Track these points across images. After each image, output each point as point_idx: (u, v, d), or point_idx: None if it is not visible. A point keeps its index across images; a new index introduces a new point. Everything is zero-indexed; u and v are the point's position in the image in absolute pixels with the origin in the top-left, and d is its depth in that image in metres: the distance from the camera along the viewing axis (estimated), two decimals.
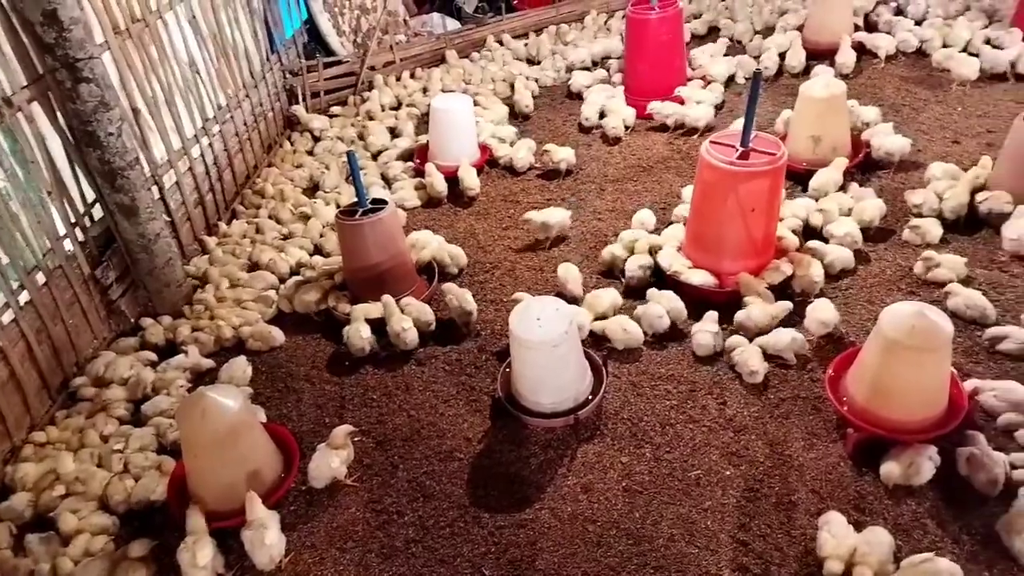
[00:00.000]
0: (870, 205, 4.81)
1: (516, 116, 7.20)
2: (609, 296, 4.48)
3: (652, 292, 4.45)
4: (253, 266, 5.39)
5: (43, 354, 4.23)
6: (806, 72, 6.94)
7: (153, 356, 4.59)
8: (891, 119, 5.99)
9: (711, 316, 4.22)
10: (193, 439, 3.42)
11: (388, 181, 6.34)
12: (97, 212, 4.71)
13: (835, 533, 3.08)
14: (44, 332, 4.24)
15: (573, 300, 4.56)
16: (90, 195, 4.62)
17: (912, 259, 4.56)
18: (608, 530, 3.36)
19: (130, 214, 4.57)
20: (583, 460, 3.70)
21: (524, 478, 3.65)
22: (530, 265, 5.14)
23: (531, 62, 8.21)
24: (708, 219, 4.46)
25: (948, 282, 4.31)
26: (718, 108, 6.75)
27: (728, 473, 3.55)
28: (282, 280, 5.19)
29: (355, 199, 4.76)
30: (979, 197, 4.78)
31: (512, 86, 7.58)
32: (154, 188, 5.10)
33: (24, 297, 4.14)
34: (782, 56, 7.19)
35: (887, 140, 5.42)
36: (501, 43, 8.54)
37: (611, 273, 4.92)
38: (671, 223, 5.07)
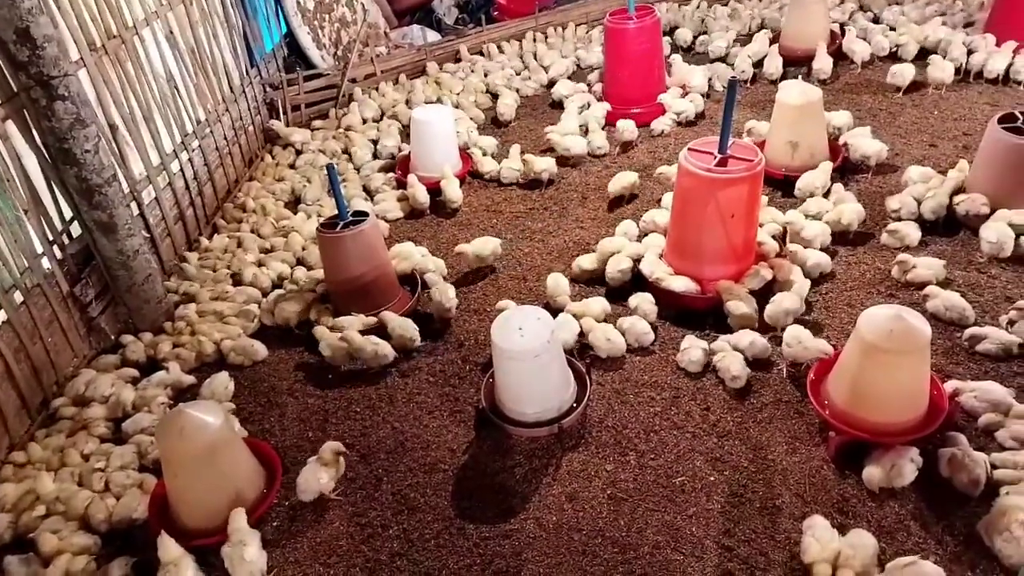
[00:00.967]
0: (848, 209, 4.84)
1: (498, 125, 7.21)
2: (599, 304, 4.49)
3: (635, 298, 4.48)
4: (235, 280, 5.37)
5: (22, 373, 4.18)
6: (783, 79, 7.01)
7: (134, 373, 4.55)
8: (868, 123, 6.05)
9: (691, 337, 4.23)
10: (172, 457, 3.39)
11: (370, 193, 6.34)
12: (75, 229, 4.68)
13: (819, 537, 3.09)
14: (23, 351, 4.20)
15: (561, 312, 4.56)
16: (68, 212, 4.59)
17: (891, 262, 4.59)
18: (593, 538, 3.36)
19: (108, 231, 4.55)
20: (568, 469, 3.70)
21: (509, 488, 3.64)
22: (514, 275, 5.15)
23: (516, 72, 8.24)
24: (688, 226, 4.48)
25: (927, 284, 4.35)
26: (698, 116, 6.80)
27: (712, 479, 3.55)
28: (264, 294, 5.17)
29: (336, 211, 4.75)
30: (957, 199, 4.84)
31: (494, 96, 7.61)
32: (133, 204, 5.07)
33: (1, 316, 4.10)
34: (759, 64, 7.25)
35: (864, 144, 5.47)
36: (482, 54, 8.57)
37: (592, 282, 4.92)
38: (647, 233, 5.08)
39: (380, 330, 4.56)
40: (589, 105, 7.02)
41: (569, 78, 7.84)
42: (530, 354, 3.68)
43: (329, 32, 8.52)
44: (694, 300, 4.47)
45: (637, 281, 4.74)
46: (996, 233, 4.50)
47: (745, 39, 7.89)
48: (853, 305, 4.39)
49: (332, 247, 4.66)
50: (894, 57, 7.10)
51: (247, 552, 3.22)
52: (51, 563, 3.40)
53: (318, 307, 4.85)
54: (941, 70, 6.42)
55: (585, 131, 6.69)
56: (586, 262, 4.86)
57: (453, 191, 5.96)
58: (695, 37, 8.24)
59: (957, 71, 6.53)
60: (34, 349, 4.27)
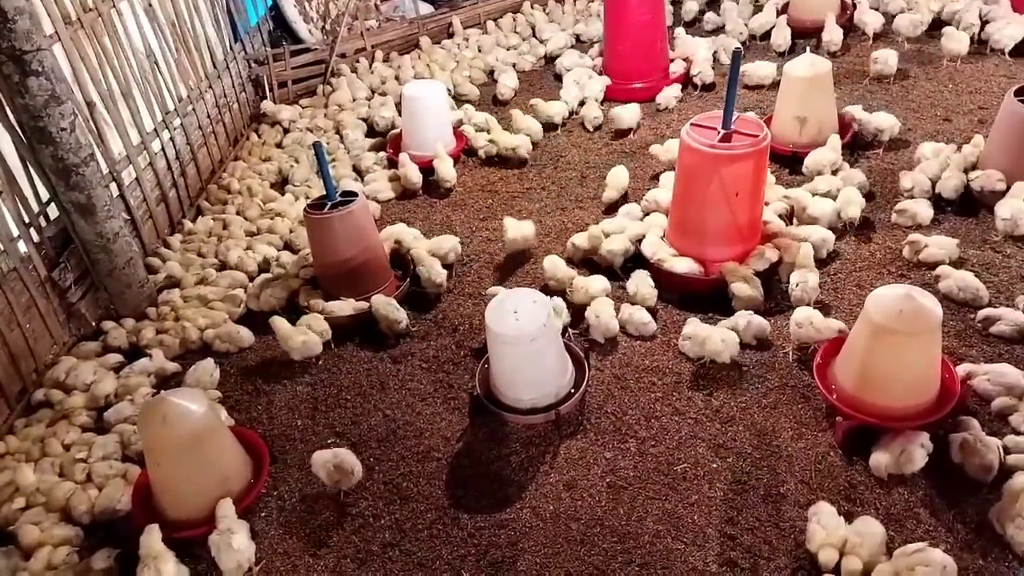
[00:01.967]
0: (851, 200, 4.76)
1: (496, 103, 7.20)
2: (600, 282, 4.50)
3: (634, 279, 4.50)
4: (220, 264, 5.37)
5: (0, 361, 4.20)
6: (791, 51, 6.98)
7: (116, 360, 4.56)
8: (880, 97, 6.03)
9: (694, 321, 4.23)
10: (155, 446, 3.41)
11: (360, 173, 6.33)
12: (52, 212, 4.68)
13: (825, 524, 3.11)
14: (0, 338, 4.20)
15: (560, 294, 4.58)
16: (44, 194, 4.59)
17: (902, 242, 4.59)
18: (592, 528, 3.38)
19: (87, 213, 4.54)
20: (565, 456, 3.72)
21: (505, 477, 3.66)
22: (510, 257, 5.14)
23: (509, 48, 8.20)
24: (691, 205, 4.48)
25: (939, 264, 4.35)
26: (706, 89, 6.79)
27: (715, 466, 3.57)
28: (251, 278, 5.18)
29: (325, 192, 4.75)
30: (971, 176, 4.83)
31: (489, 73, 7.58)
32: (112, 185, 5.06)
33: None
34: (767, 35, 7.22)
35: (875, 118, 5.45)
36: (478, 27, 8.54)
37: (589, 263, 4.91)
38: (648, 213, 5.08)
39: (370, 315, 4.57)
40: (591, 76, 7.02)
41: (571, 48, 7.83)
42: (526, 338, 3.68)
43: (317, 4, 8.48)
44: (697, 282, 4.47)
45: (637, 263, 4.73)
46: (1010, 209, 4.50)
47: (757, 8, 7.82)
48: (862, 286, 4.40)
49: (320, 229, 4.65)
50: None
51: (235, 540, 3.25)
52: (32, 556, 3.42)
53: (307, 291, 4.86)
54: (956, 41, 6.39)
55: (582, 104, 6.67)
56: (581, 239, 4.85)
57: (446, 170, 5.95)
58: (702, 12, 8.15)
59: (972, 41, 6.50)
60: (11, 336, 4.28)
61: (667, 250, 4.62)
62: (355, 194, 4.75)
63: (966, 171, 4.88)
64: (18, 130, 4.31)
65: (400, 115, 6.54)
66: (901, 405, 3.43)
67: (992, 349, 3.91)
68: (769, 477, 3.48)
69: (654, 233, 4.78)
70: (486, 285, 4.88)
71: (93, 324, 4.88)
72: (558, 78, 7.43)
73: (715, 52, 7.17)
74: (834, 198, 4.86)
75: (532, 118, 6.41)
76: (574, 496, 3.53)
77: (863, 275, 4.49)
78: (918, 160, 5.17)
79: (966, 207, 4.86)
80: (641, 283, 4.47)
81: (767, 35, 7.25)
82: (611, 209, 5.43)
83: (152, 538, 3.25)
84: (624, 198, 5.45)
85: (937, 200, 4.87)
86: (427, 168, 6.03)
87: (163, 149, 5.85)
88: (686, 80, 6.90)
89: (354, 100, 7.45)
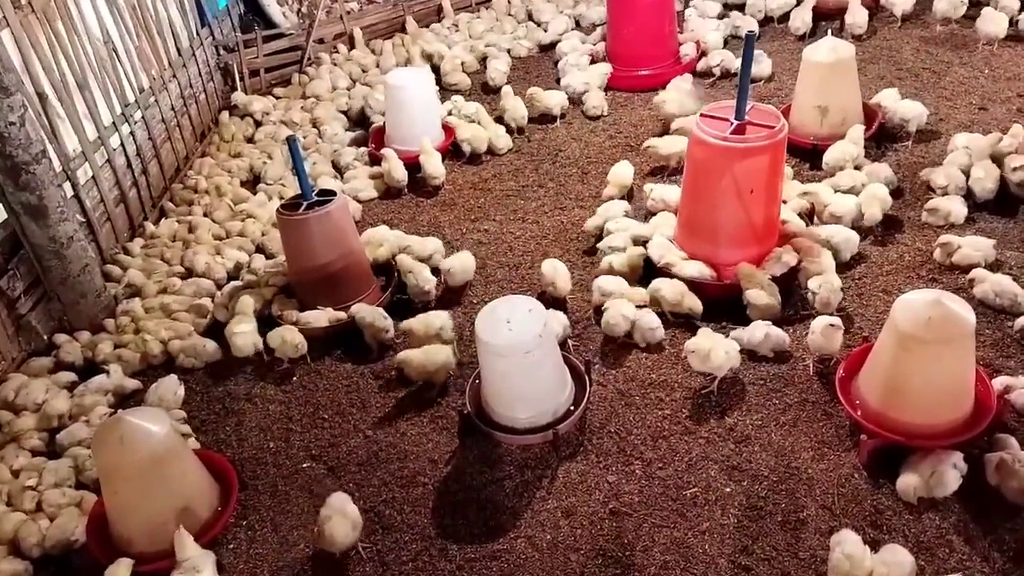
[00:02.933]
0: (880, 195, 4.80)
1: (487, 91, 7.23)
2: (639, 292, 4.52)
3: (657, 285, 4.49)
4: (185, 272, 5.39)
5: None
6: (812, 34, 7.02)
7: (71, 378, 4.57)
8: (909, 84, 6.06)
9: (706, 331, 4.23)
10: (112, 471, 3.42)
11: (340, 170, 6.35)
12: (0, 214, 4.68)
13: (849, 554, 3.11)
14: None
15: (560, 302, 4.60)
16: None
17: (933, 243, 4.61)
18: (593, 559, 3.39)
19: (38, 215, 4.56)
20: (564, 480, 3.73)
21: (497, 503, 3.67)
22: (504, 262, 5.17)
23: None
24: (701, 203, 4.50)
25: (974, 267, 4.37)
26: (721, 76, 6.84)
27: (728, 490, 3.58)
28: (219, 286, 5.19)
29: (300, 191, 4.77)
30: (1010, 162, 4.79)
31: (481, 60, 7.61)
32: (66, 185, 5.07)
33: None
34: (785, 17, 7.26)
35: (901, 106, 5.48)
36: (468, 9, 8.59)
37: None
38: (656, 212, 5.11)
39: (350, 326, 4.58)
40: (593, 61, 7.06)
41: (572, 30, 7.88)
42: (520, 350, 3.70)
43: None
44: (709, 287, 4.49)
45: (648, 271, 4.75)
46: None
47: None
48: (889, 291, 4.42)
49: (295, 231, 4.67)
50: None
51: None
52: None
53: (281, 300, 4.87)
54: (993, 23, 6.41)
55: (582, 93, 6.72)
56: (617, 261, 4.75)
57: (434, 166, 5.97)
58: None
59: (1011, 23, 6.52)
60: None
61: (676, 253, 4.64)
62: (334, 193, 4.77)
63: (1003, 164, 4.89)
64: None
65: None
66: (931, 422, 3.44)
67: None
68: (787, 502, 3.49)
69: (662, 234, 4.79)
70: (478, 293, 4.90)
71: (45, 338, 4.88)
72: (558, 66, 7.44)
73: (730, 35, 7.21)
74: (859, 195, 4.87)
75: (521, 101, 6.45)
76: (573, 524, 3.53)
77: (890, 279, 4.51)
78: (951, 152, 5.18)
79: (1003, 204, 4.88)
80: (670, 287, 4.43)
81: (785, 17, 7.28)
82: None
83: (121, 570, 3.26)
84: (629, 196, 5.47)
85: (971, 197, 4.88)
86: (413, 164, 6.05)
87: (122, 145, 5.87)
88: (696, 67, 6.93)
89: (334, 90, 7.48)
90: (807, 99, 5.52)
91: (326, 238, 4.66)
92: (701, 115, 4.43)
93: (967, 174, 4.93)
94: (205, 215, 5.99)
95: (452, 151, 6.38)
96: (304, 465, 3.98)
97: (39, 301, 4.88)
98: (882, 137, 5.60)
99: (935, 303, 3.35)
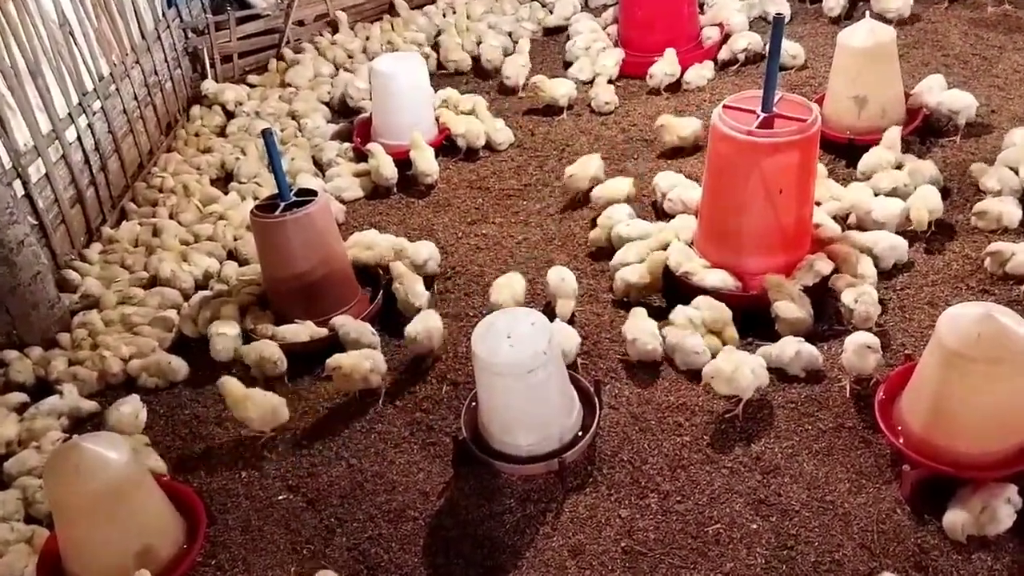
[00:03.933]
0: (930, 198, 4.80)
1: (483, 77, 7.26)
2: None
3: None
4: (149, 280, 5.39)
5: None
6: (848, 16, 7.04)
7: (21, 398, 4.58)
8: (958, 72, 6.07)
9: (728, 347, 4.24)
10: (66, 503, 3.42)
11: (321, 166, 6.37)
12: None
13: None
14: None
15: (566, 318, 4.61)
16: None
17: (984, 249, 4.61)
18: None
19: None
20: (572, 515, 3.72)
21: (497, 540, 3.67)
22: (503, 269, 5.16)
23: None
24: (725, 205, 4.50)
25: None
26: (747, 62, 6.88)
27: (755, 526, 3.58)
28: (186, 297, 5.20)
29: (276, 190, 4.78)
30: None
31: (479, 45, 7.65)
32: (16, 183, 5.10)
33: None
34: None
35: (948, 96, 5.49)
36: None
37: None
38: (674, 215, 5.12)
39: (332, 342, 4.59)
40: (604, 48, 7.09)
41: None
42: (521, 369, 3.69)
43: None
44: (733, 299, 4.49)
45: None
46: None
47: None
48: (935, 304, 4.42)
49: (271, 235, 4.68)
50: None
51: None
52: None
53: (255, 312, 4.88)
54: None
55: (591, 82, 6.75)
56: (633, 276, 4.73)
57: (426, 163, 5.99)
58: None
59: None
60: None
61: (697, 260, 4.64)
62: (314, 193, 4.79)
63: None
64: None
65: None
66: (982, 450, 3.44)
67: None
68: (821, 540, 3.48)
69: (681, 239, 4.81)
70: (475, 304, 4.90)
71: None
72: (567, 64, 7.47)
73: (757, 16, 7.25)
74: (903, 197, 4.87)
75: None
76: (582, 564, 3.53)
77: (936, 291, 4.52)
78: (1004, 149, 5.18)
79: None
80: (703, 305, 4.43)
81: None
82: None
83: None
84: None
85: None
86: (403, 160, 6.06)
87: (79, 138, 5.89)
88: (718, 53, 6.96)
89: (315, 77, 7.50)
90: (843, 89, 5.53)
91: (306, 243, 4.67)
92: (724, 106, 4.43)
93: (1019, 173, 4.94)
94: (171, 217, 6.00)
95: (447, 146, 6.40)
96: (280, 497, 3.98)
97: None
98: (926, 132, 5.61)
99: (985, 318, 3.35)
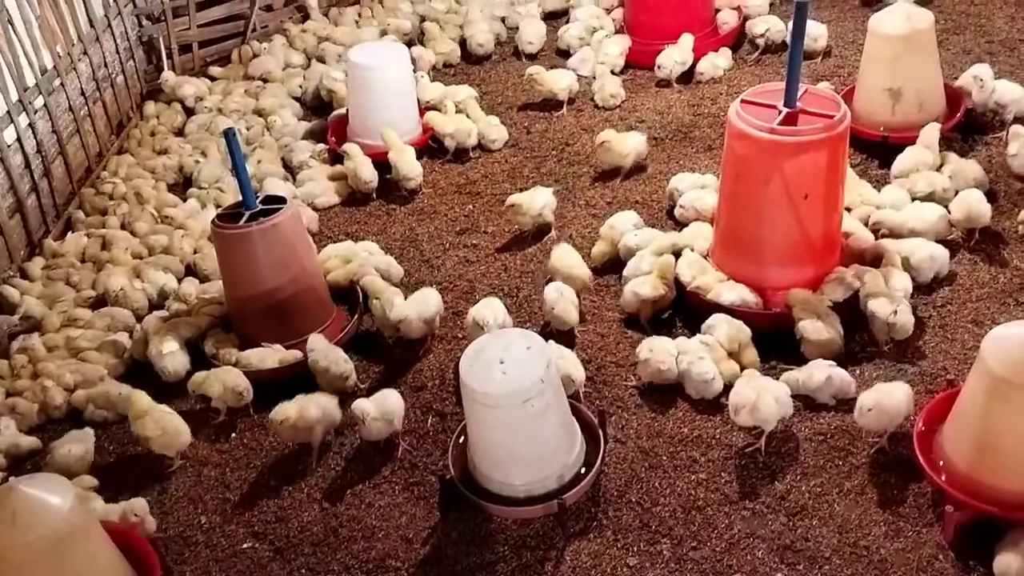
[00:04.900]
0: (974, 205, 4.80)
1: (472, 61, 7.33)
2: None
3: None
4: (97, 299, 5.38)
5: None
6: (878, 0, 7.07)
7: None
8: (1004, 61, 6.08)
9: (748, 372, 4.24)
10: (2, 556, 3.38)
11: (292, 170, 6.37)
12: None
13: None
14: None
15: (567, 337, 4.61)
16: None
17: None
18: None
19: None
20: (573, 564, 3.70)
21: None
22: (496, 284, 5.18)
23: None
24: (743, 212, 4.51)
25: None
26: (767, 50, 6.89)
27: (780, 575, 3.56)
28: (139, 318, 5.18)
29: (241, 197, 4.78)
30: None
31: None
32: None
33: None
34: None
35: (995, 87, 5.49)
36: None
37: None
38: (686, 223, 5.13)
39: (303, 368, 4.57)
40: (607, 35, 7.12)
41: None
42: (516, 399, 3.67)
43: None
44: (753, 317, 4.48)
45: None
46: None
47: None
48: (980, 323, 4.42)
49: (235, 248, 4.67)
50: None
51: None
52: None
53: (216, 335, 4.87)
54: None
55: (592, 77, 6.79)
56: (645, 288, 4.70)
57: (408, 165, 5.99)
58: None
59: None
60: None
61: (712, 274, 4.64)
62: (283, 200, 4.78)
63: None
64: None
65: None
66: None
67: None
68: None
69: (694, 250, 4.82)
70: (463, 323, 4.88)
71: None
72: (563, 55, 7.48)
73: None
74: (941, 201, 4.88)
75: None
76: None
77: (980, 307, 4.52)
78: None
79: None
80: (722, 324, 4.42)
81: None
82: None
83: None
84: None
85: None
86: (383, 162, 6.06)
87: (19, 140, 5.88)
88: (737, 40, 6.97)
89: (285, 68, 7.51)
90: (875, 80, 5.55)
91: (274, 256, 4.66)
92: (742, 101, 4.43)
93: None
94: (122, 227, 6.00)
95: (433, 146, 6.40)
96: (245, 545, 3.96)
97: None
98: (969, 128, 5.61)
99: None
